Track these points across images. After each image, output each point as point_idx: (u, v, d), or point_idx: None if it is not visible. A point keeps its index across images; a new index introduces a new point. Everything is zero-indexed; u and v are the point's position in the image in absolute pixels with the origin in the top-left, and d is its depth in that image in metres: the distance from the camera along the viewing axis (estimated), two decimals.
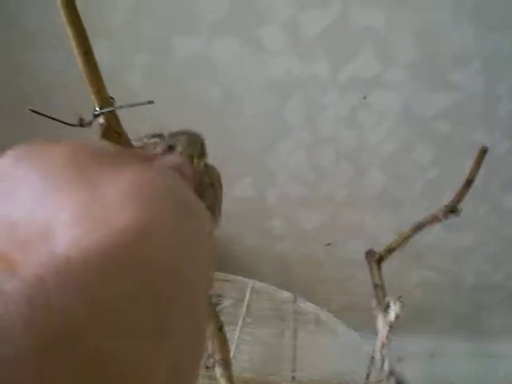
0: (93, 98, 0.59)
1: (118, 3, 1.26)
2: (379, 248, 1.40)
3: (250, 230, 1.60)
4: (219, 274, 1.30)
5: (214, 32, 1.29)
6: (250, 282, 1.25)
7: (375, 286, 1.03)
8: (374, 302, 1.03)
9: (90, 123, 0.61)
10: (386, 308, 1.02)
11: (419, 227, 1.08)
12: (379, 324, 1.01)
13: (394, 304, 1.01)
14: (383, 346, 0.98)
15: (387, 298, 1.03)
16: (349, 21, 1.25)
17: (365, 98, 1.36)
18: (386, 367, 0.96)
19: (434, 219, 1.08)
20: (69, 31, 0.55)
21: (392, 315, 1.01)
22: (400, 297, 1.02)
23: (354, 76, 1.33)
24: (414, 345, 1.76)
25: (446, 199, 1.41)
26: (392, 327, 1.00)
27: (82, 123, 0.64)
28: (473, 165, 1.03)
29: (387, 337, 0.99)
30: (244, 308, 1.19)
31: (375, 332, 1.01)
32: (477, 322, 1.70)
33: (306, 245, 1.61)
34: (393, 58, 1.31)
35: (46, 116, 0.68)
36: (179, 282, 0.19)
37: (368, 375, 1.08)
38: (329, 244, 1.60)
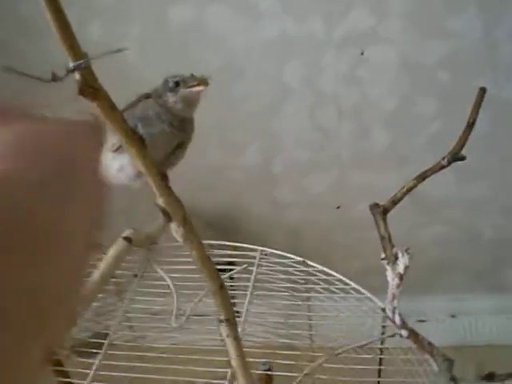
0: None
1: None
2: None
3: (257, 199, 1.59)
4: (228, 244, 1.30)
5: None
6: (259, 249, 1.25)
7: (382, 237, 1.02)
8: (382, 254, 1.02)
9: (62, 78, 0.60)
10: (395, 260, 1.00)
11: (423, 176, 1.06)
12: (388, 276, 1.00)
13: (403, 255, 1.00)
14: (394, 297, 0.97)
15: (395, 250, 1.01)
16: None
17: (362, 53, 1.34)
18: (398, 319, 0.95)
19: (438, 167, 1.06)
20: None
21: (401, 266, 0.99)
22: (408, 248, 1.01)
23: (349, 31, 1.31)
24: (435, 305, 1.74)
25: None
26: (402, 279, 0.98)
27: (54, 78, 0.63)
28: (472, 107, 1.00)
29: (397, 287, 0.97)
30: (253, 274, 1.19)
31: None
32: (497, 276, 1.67)
33: (315, 210, 1.60)
34: (387, 10, 1.28)
35: (20, 73, 0.68)
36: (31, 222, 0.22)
37: (384, 327, 1.07)
38: (338, 207, 1.59)
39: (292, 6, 1.30)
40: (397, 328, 0.94)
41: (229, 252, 1.28)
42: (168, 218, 0.73)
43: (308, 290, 1.20)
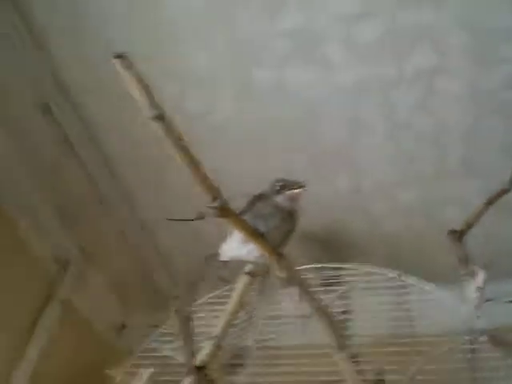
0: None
1: None
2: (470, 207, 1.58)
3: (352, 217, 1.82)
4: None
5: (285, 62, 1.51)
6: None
7: (459, 259, 1.23)
8: (462, 272, 1.23)
9: (206, 216, 0.87)
10: (473, 275, 1.21)
11: (490, 202, 1.25)
12: (469, 290, 1.21)
13: (480, 271, 1.20)
14: (477, 308, 1.17)
15: (474, 267, 1.22)
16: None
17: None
18: (481, 325, 1.16)
19: (502, 192, 1.25)
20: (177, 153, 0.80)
21: (479, 281, 1.19)
22: (484, 264, 1.21)
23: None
24: None
25: None
26: (482, 290, 1.19)
27: (201, 216, 0.90)
28: None
29: (478, 299, 1.18)
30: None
31: None
32: None
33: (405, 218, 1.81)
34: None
35: (177, 220, 0.96)
36: None
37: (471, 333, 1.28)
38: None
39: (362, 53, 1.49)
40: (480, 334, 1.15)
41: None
42: (287, 284, 1.00)
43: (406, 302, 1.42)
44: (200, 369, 1.31)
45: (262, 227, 0.95)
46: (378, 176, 1.73)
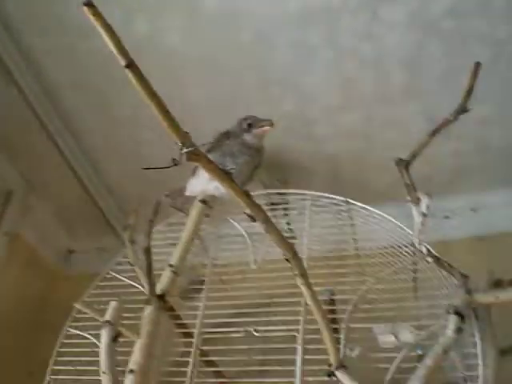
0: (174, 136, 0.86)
1: None
2: (411, 136, 1.66)
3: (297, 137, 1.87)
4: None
5: None
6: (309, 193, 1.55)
7: (407, 185, 1.30)
8: (407, 198, 1.30)
9: (180, 162, 0.88)
10: (418, 201, 1.29)
11: (434, 133, 1.32)
12: (414, 215, 1.29)
13: (424, 197, 1.28)
14: (419, 232, 1.26)
15: (418, 193, 1.29)
16: None
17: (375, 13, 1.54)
18: (424, 249, 1.25)
19: (446, 122, 1.31)
20: (152, 102, 0.81)
21: (423, 206, 1.27)
22: (428, 192, 1.29)
23: None
24: (457, 202, 2.04)
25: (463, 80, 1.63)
26: (425, 216, 1.27)
27: (176, 163, 0.92)
28: (470, 78, 1.24)
29: (422, 224, 1.26)
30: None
31: None
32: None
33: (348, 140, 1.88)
34: None
35: (152, 168, 0.97)
36: None
37: (414, 263, 1.38)
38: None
39: None
40: (424, 256, 1.25)
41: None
42: (253, 219, 1.04)
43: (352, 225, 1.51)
44: (160, 297, 1.36)
45: (230, 164, 0.98)
46: (322, 100, 1.77)
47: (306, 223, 1.51)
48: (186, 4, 1.55)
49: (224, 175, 0.94)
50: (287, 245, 1.10)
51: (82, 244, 2.34)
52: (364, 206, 1.50)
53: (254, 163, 1.06)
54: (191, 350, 1.41)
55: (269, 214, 1.54)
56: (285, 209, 1.69)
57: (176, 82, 1.73)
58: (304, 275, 1.14)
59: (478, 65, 1.23)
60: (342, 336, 1.24)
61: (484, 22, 1.53)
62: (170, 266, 1.42)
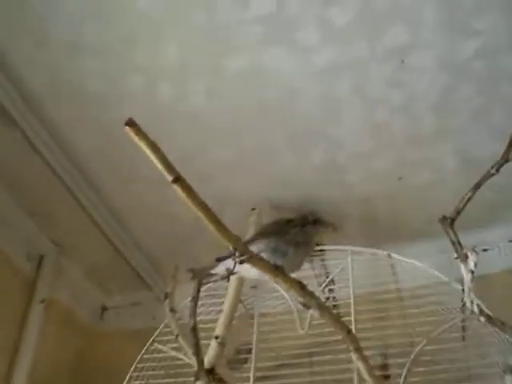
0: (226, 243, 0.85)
1: None
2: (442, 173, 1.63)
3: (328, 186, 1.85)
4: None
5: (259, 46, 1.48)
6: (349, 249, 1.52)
7: (453, 243, 1.26)
8: (454, 256, 1.27)
9: (234, 268, 0.86)
10: (465, 258, 1.25)
11: (477, 186, 1.29)
12: (463, 273, 1.26)
13: (471, 254, 1.25)
14: (470, 290, 1.23)
15: (465, 250, 1.26)
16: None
17: (403, 61, 1.51)
18: (476, 308, 1.22)
19: (488, 175, 1.28)
20: (201, 213, 0.79)
21: (471, 264, 1.24)
22: (475, 247, 1.26)
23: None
24: (495, 234, 2.01)
25: (495, 118, 1.60)
26: (473, 273, 1.24)
27: (231, 272, 0.90)
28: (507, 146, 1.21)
29: (471, 282, 1.23)
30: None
31: None
32: None
33: (380, 184, 1.85)
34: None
35: (208, 282, 0.94)
36: None
37: (463, 320, 1.34)
38: (400, 178, 1.82)
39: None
40: (476, 316, 1.21)
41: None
42: (307, 306, 1.02)
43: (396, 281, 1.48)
44: (209, 371, 1.34)
45: (290, 252, 1.00)
46: (353, 147, 1.75)
47: (350, 277, 1.48)
48: (210, 65, 1.53)
49: (276, 270, 0.92)
50: (341, 324, 1.08)
51: (115, 300, 2.33)
52: (406, 259, 1.47)
53: (309, 253, 1.09)
54: None
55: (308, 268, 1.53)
56: (323, 259, 1.67)
57: (203, 144, 1.72)
58: (359, 350, 1.12)
59: None
60: None
61: None
62: (216, 337, 1.40)
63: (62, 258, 2.09)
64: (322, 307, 1.00)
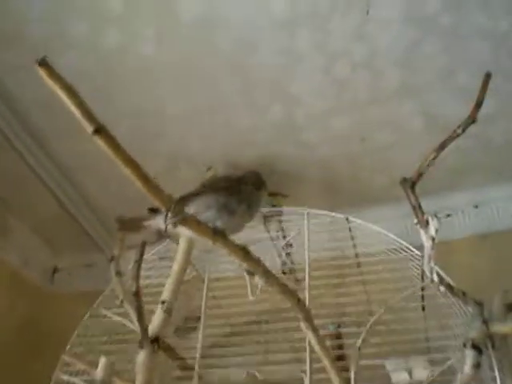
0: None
1: None
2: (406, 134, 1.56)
3: (287, 146, 1.76)
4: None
5: None
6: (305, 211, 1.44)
7: (413, 207, 1.19)
8: (414, 221, 1.20)
9: (166, 231, 0.77)
10: (426, 224, 1.18)
11: (442, 147, 1.21)
12: (423, 239, 1.19)
13: (433, 220, 1.18)
14: (430, 258, 1.16)
15: (426, 216, 1.19)
16: None
17: (367, 13, 1.41)
18: (436, 277, 1.15)
19: (454, 135, 1.21)
20: (127, 170, 0.70)
21: (432, 230, 1.17)
22: (436, 212, 1.19)
23: None
24: (459, 199, 1.95)
25: (461, 80, 1.52)
26: (434, 240, 1.17)
27: (164, 235, 0.80)
28: (480, 90, 1.13)
29: (432, 249, 1.16)
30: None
31: None
32: None
33: (342, 144, 1.76)
34: None
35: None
36: None
37: (422, 288, 1.28)
38: (363, 139, 1.74)
39: None
40: (436, 285, 1.15)
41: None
42: (252, 273, 0.95)
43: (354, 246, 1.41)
44: (154, 341, 1.26)
45: (239, 208, 0.93)
46: (311, 104, 1.65)
47: (305, 241, 1.41)
48: (159, 11, 1.41)
49: (215, 235, 0.84)
50: (290, 293, 1.01)
51: (66, 261, 2.23)
52: (365, 223, 1.40)
53: (254, 216, 1.00)
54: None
55: (264, 230, 1.45)
56: (279, 221, 1.59)
57: (153, 95, 1.61)
58: (309, 319, 1.05)
59: (488, 76, 1.12)
60: (351, 375, 1.15)
61: (484, 15, 1.41)
62: (163, 302, 1.32)
63: (8, 215, 1.97)
64: (267, 274, 0.92)
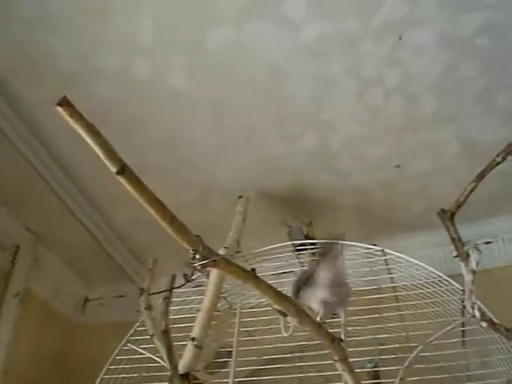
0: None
1: None
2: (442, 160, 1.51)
3: (322, 173, 1.72)
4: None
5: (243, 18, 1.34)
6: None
7: (453, 239, 1.14)
8: (454, 254, 1.14)
9: (192, 274, 0.74)
10: (467, 257, 1.13)
11: (481, 176, 1.16)
12: (464, 272, 1.13)
13: (473, 252, 1.13)
14: (471, 293, 1.11)
15: (466, 248, 1.14)
16: None
17: (400, 38, 1.37)
18: (477, 313, 1.09)
19: (494, 164, 1.15)
20: (151, 210, 0.67)
21: (473, 263, 1.12)
22: (477, 244, 1.13)
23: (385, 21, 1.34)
24: (499, 225, 1.88)
25: (499, 104, 1.46)
26: (475, 273, 1.11)
27: (187, 279, 0.77)
28: None
29: (473, 283, 1.11)
30: None
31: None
32: None
33: (377, 171, 1.71)
34: None
35: (162, 291, 0.82)
36: None
37: (463, 324, 1.22)
38: (398, 166, 1.69)
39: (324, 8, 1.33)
40: (477, 321, 1.09)
41: None
42: (284, 314, 0.91)
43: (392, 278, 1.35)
44: (184, 375, 1.23)
45: None
46: (346, 132, 1.61)
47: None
48: (189, 40, 1.40)
49: (247, 274, 0.80)
50: (324, 332, 0.96)
51: (97, 292, 2.22)
52: (402, 255, 1.34)
53: None
54: None
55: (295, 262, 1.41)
56: (313, 253, 1.55)
57: (185, 125, 1.59)
58: (344, 360, 1.01)
59: None
60: None
61: None
62: (193, 339, 1.29)
63: (40, 247, 1.97)
64: (300, 314, 0.88)
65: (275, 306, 0.86)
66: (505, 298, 1.64)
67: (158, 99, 1.53)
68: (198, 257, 0.72)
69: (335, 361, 1.00)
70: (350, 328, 1.25)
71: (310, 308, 1.05)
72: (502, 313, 1.10)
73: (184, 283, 0.72)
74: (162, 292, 1.02)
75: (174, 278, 1.16)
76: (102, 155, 0.65)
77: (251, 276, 0.81)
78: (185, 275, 0.73)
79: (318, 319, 0.97)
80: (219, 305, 1.43)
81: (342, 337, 1.17)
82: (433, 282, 1.29)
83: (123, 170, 0.66)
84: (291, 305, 0.87)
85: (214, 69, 1.45)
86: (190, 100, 1.52)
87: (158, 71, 1.46)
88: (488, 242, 1.87)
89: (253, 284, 0.81)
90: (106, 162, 0.65)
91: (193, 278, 0.71)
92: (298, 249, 1.57)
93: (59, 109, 0.62)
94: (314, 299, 1.04)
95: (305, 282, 1.13)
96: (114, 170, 0.65)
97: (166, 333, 1.15)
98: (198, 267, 0.71)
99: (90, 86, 1.50)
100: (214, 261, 0.74)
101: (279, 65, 1.44)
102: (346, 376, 1.01)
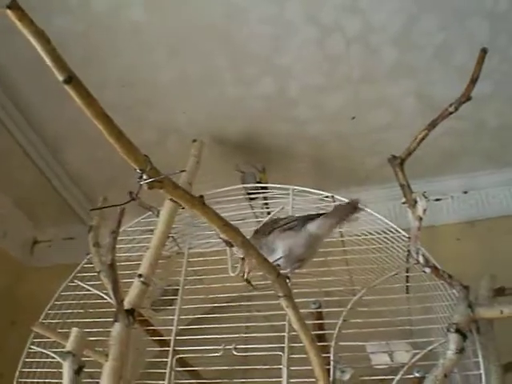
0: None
1: None
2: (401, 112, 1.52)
3: (278, 120, 1.71)
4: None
5: None
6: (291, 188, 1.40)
7: (401, 186, 1.16)
8: (402, 200, 1.16)
9: (138, 193, 0.73)
10: (414, 204, 1.15)
11: (433, 125, 1.18)
12: (410, 219, 1.15)
13: (421, 199, 1.15)
14: (416, 239, 1.13)
15: (414, 195, 1.16)
16: None
17: None
18: (422, 259, 1.12)
19: (446, 113, 1.17)
20: (98, 124, 0.66)
21: (420, 210, 1.14)
22: (425, 192, 1.15)
23: None
24: (449, 184, 1.92)
25: (457, 59, 1.48)
26: (421, 220, 1.13)
27: (133, 197, 0.76)
28: (475, 65, 1.09)
29: (418, 230, 1.13)
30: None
31: None
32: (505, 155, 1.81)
33: (333, 122, 1.72)
34: None
35: (106, 207, 0.81)
36: None
37: (407, 269, 1.25)
38: (353, 118, 1.70)
39: None
40: (421, 266, 1.12)
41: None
42: (230, 244, 0.91)
43: None
44: (129, 312, 1.23)
45: None
46: (303, 80, 1.60)
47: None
48: None
49: (193, 199, 0.79)
50: (270, 266, 0.97)
51: (47, 234, 2.19)
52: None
53: None
54: (168, 349, 1.28)
55: (247, 206, 1.41)
56: (265, 198, 1.55)
57: (142, 64, 1.55)
58: (289, 297, 1.02)
59: (484, 52, 1.08)
60: (331, 356, 1.11)
61: None
62: (139, 276, 1.28)
63: None
64: (247, 245, 0.88)
65: (222, 236, 0.86)
66: (449, 254, 1.67)
67: (117, 34, 1.49)
68: (145, 177, 0.71)
69: (279, 297, 1.00)
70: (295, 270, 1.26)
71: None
72: (447, 269, 1.13)
73: (129, 200, 0.71)
74: (104, 208, 1.00)
75: (122, 211, 1.14)
76: (49, 63, 0.62)
77: (198, 202, 0.80)
78: (130, 193, 0.72)
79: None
80: (168, 246, 1.43)
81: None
82: (381, 230, 1.31)
83: (71, 78, 0.63)
84: (238, 235, 0.86)
85: (173, 3, 1.41)
86: (149, 35, 1.48)
87: (118, 2, 1.42)
88: (438, 200, 1.91)
89: (199, 210, 0.81)
90: (54, 70, 0.62)
91: (138, 196, 0.69)
92: (249, 193, 1.57)
93: (8, 12, 0.59)
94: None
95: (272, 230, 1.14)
96: (61, 78, 0.63)
97: (111, 266, 1.14)
98: (144, 186, 0.70)
99: (50, 17, 1.44)
100: (161, 181, 0.73)
101: (237, 3, 1.41)
102: (290, 313, 1.02)
